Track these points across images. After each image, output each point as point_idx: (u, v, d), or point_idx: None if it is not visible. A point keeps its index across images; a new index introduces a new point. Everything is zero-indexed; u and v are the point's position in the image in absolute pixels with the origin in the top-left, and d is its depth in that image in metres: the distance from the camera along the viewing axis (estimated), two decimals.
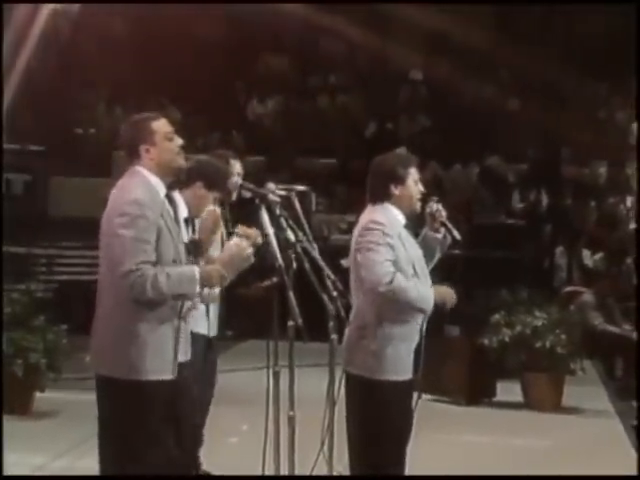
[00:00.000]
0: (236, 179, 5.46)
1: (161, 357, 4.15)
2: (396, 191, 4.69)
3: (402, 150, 13.91)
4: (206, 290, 4.37)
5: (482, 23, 15.84)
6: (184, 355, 4.29)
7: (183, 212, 5.05)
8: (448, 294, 4.77)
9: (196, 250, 4.35)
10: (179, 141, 4.29)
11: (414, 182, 4.73)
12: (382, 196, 4.70)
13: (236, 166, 5.64)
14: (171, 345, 4.18)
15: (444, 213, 4.84)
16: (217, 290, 4.99)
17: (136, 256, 4.04)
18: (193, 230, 5.06)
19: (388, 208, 4.70)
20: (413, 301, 4.62)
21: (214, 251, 4.88)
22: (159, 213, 4.13)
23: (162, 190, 4.23)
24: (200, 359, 5.11)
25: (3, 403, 7.34)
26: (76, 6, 10.41)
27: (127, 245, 4.05)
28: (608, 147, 15.14)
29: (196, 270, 4.17)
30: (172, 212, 4.32)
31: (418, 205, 4.79)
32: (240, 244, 4.36)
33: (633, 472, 6.96)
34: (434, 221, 4.83)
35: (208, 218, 4.58)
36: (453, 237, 4.87)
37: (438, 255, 4.90)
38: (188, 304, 4.27)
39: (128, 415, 4.12)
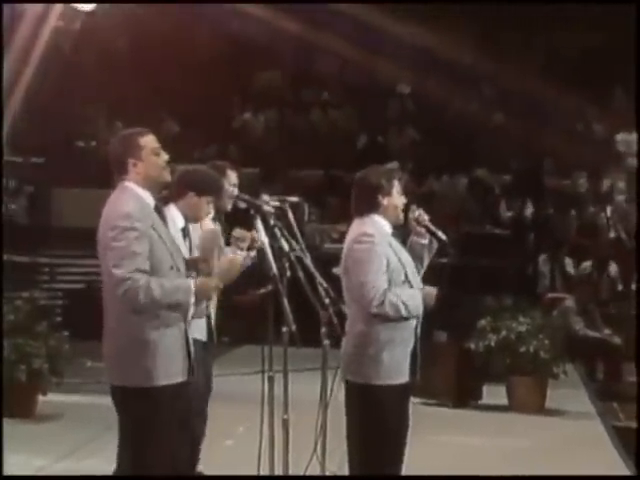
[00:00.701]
0: (232, 189, 5.43)
1: (173, 361, 4.14)
2: (383, 202, 4.72)
3: (394, 164, 13.96)
4: (201, 304, 4.38)
5: (467, 41, 15.88)
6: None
7: (179, 223, 5.03)
8: (428, 296, 4.76)
9: (195, 268, 4.34)
10: (165, 156, 4.29)
11: (398, 193, 4.77)
12: (369, 208, 4.72)
13: (232, 177, 5.61)
14: (181, 348, 4.17)
15: (426, 217, 4.86)
16: (212, 302, 4.97)
17: (128, 265, 4.04)
18: (189, 239, 5.04)
19: (375, 219, 4.72)
20: (404, 315, 4.63)
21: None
22: (150, 225, 4.13)
23: (151, 202, 4.23)
24: (198, 364, 5.08)
25: (7, 407, 7.31)
26: (77, 24, 10.40)
27: (119, 255, 4.05)
28: (588, 159, 15.19)
29: (192, 282, 4.16)
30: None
31: (402, 215, 4.82)
32: (234, 257, 4.36)
33: (614, 471, 6.96)
34: (418, 226, 4.85)
35: (207, 238, 4.53)
36: (439, 239, 4.88)
37: (427, 260, 4.90)
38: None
39: (146, 422, 4.09)
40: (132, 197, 4.16)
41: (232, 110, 16.49)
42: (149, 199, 4.22)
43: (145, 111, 15.30)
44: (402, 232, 4.89)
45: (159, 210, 4.28)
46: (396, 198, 4.75)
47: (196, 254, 4.66)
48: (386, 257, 4.62)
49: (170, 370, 4.11)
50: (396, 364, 4.64)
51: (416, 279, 4.78)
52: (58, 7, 10.13)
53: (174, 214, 4.99)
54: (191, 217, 5.09)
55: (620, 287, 12.24)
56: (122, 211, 4.10)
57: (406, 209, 4.84)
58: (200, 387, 5.06)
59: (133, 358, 4.09)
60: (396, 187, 4.76)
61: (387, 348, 4.61)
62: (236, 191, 5.41)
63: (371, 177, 4.78)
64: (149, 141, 4.25)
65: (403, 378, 4.67)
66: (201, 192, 5.08)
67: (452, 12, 15.68)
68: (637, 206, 13.17)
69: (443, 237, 4.87)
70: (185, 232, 5.06)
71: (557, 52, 16.49)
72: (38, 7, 9.99)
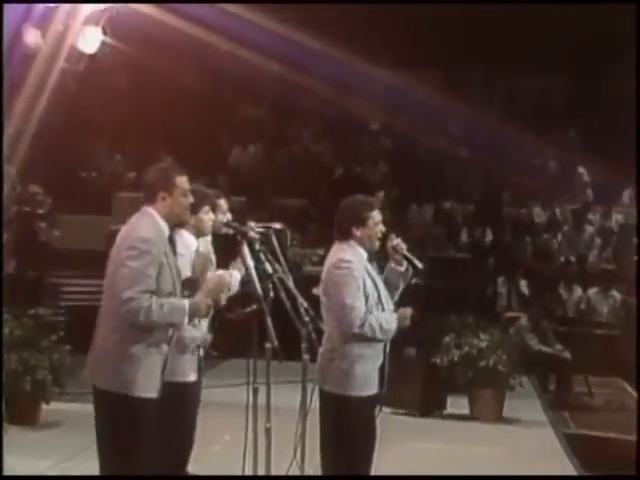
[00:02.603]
0: (221, 217, 5.42)
1: (151, 377, 4.15)
2: (357, 232, 4.69)
3: (380, 194, 13.98)
4: (200, 335, 4.41)
5: (435, 83, 16.01)
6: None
7: (192, 245, 4.99)
8: (402, 317, 4.74)
9: (190, 287, 4.36)
10: (191, 199, 4.31)
11: (374, 224, 4.72)
12: (347, 235, 4.71)
13: (223, 205, 5.60)
14: (159, 368, 4.19)
15: (404, 246, 4.82)
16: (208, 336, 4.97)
17: (138, 285, 4.05)
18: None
19: (353, 245, 4.71)
20: (380, 337, 4.63)
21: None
22: (163, 251, 4.15)
23: (167, 232, 4.25)
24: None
25: (13, 414, 7.27)
26: (81, 66, 10.43)
27: (131, 275, 4.06)
28: (542, 191, 15.30)
29: (186, 303, 4.18)
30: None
31: (377, 244, 4.77)
32: (222, 277, 4.38)
33: (561, 472, 6.98)
34: (396, 254, 4.81)
35: (198, 262, 4.54)
36: (415, 266, 4.85)
37: (402, 286, 4.88)
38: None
39: (118, 423, 4.11)
40: (152, 224, 4.17)
41: (221, 144, 16.52)
42: (166, 229, 4.23)
43: (141, 145, 15.35)
44: (379, 257, 4.89)
45: (172, 240, 4.30)
46: (371, 228, 4.69)
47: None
48: (362, 280, 4.62)
49: (147, 385, 4.12)
50: (366, 377, 4.65)
51: (389, 302, 4.78)
52: (65, 50, 10.17)
53: (185, 236, 4.96)
54: (201, 232, 5.05)
55: (566, 306, 12.32)
56: (142, 235, 4.11)
57: (384, 237, 4.80)
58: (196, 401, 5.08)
59: (117, 367, 4.09)
60: (373, 218, 4.69)
61: (358, 362, 4.63)
62: (228, 217, 5.41)
63: (349, 208, 4.75)
64: (183, 182, 4.25)
65: (372, 390, 4.68)
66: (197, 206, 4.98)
67: (422, 58, 15.81)
68: (637, 233, 13.10)
69: (419, 265, 4.84)
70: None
71: (516, 95, 16.64)
72: (48, 50, 10.04)
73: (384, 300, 4.72)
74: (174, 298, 4.19)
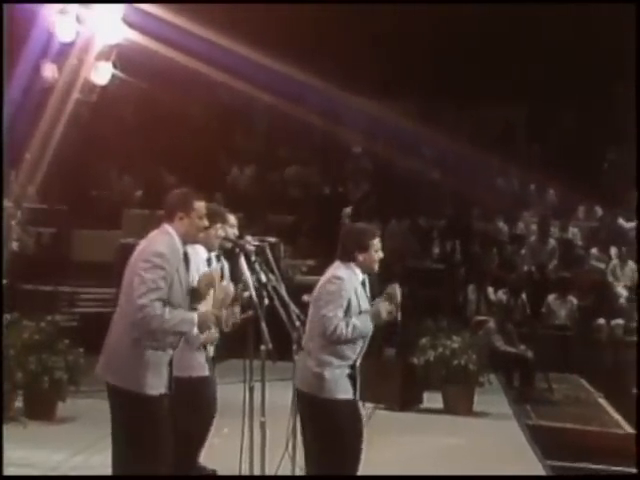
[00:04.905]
0: (230, 231, 5.34)
1: (158, 376, 4.11)
2: (360, 257, 4.60)
3: (348, 210, 14.04)
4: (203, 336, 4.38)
5: (410, 112, 16.06)
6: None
7: (204, 255, 4.91)
8: (376, 315, 4.55)
9: (195, 297, 4.32)
10: (206, 222, 4.30)
11: (375, 251, 4.63)
12: (349, 257, 4.61)
13: (231, 219, 5.54)
14: (166, 367, 4.15)
15: (399, 298, 4.62)
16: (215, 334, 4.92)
17: (152, 294, 4.03)
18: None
19: (351, 267, 4.61)
20: (355, 335, 4.53)
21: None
22: (175, 267, 4.13)
23: (181, 249, 4.21)
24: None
25: (32, 411, 7.21)
26: (94, 97, 10.41)
27: (145, 286, 4.04)
28: (507, 207, 15.34)
29: (195, 315, 4.15)
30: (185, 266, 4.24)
31: (376, 267, 4.66)
32: (227, 287, 4.37)
33: (525, 458, 6.96)
34: (390, 302, 4.62)
35: (203, 281, 4.46)
36: (395, 320, 4.70)
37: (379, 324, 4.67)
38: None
39: (130, 417, 4.08)
40: (168, 241, 4.15)
41: (220, 166, 16.50)
42: (180, 246, 4.20)
43: (147, 167, 15.32)
44: (373, 279, 4.76)
45: (186, 256, 4.26)
46: (372, 254, 4.61)
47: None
48: (348, 299, 4.55)
49: (155, 383, 4.08)
50: (336, 382, 4.52)
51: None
52: (79, 82, 10.16)
53: (199, 249, 4.91)
54: (210, 247, 4.99)
55: (528, 311, 12.33)
56: (158, 250, 4.09)
57: (381, 261, 4.66)
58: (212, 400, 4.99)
59: (129, 367, 4.06)
60: (375, 245, 4.61)
61: (327, 369, 4.52)
62: (236, 231, 5.34)
63: (354, 234, 4.67)
64: (200, 206, 4.25)
65: (345, 394, 4.54)
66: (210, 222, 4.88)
67: (399, 91, 15.89)
68: (637, 234, 13.04)
69: (399, 318, 4.69)
70: (209, 262, 5.02)
71: (483, 122, 16.73)
72: (64, 83, 10.03)
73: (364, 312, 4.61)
74: (182, 310, 4.15)
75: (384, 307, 4.59)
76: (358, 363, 4.63)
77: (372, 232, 4.72)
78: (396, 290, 4.63)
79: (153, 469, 4.05)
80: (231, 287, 4.53)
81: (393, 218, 14.96)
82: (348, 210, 14.41)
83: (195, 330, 4.14)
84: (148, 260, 4.06)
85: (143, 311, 4.01)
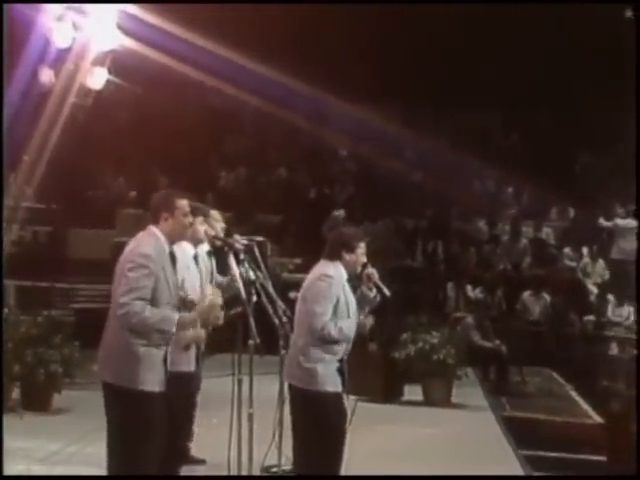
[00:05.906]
0: (215, 224, 5.36)
1: (154, 373, 4.10)
2: (346, 257, 4.66)
3: (340, 213, 14.02)
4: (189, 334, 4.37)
5: (393, 117, 16.09)
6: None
7: (190, 252, 4.93)
8: (362, 326, 4.77)
9: (184, 306, 4.31)
10: (191, 219, 4.28)
11: (361, 253, 4.70)
12: (336, 257, 4.67)
13: (216, 215, 5.52)
14: (161, 364, 4.13)
15: (376, 275, 4.77)
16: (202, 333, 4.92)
17: (133, 293, 4.02)
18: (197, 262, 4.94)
19: (337, 265, 4.66)
20: (337, 341, 4.57)
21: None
22: (161, 266, 4.11)
23: (167, 249, 4.19)
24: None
25: (29, 402, 7.18)
26: (89, 100, 10.37)
27: (128, 285, 4.03)
28: (484, 208, 15.40)
29: (176, 316, 4.13)
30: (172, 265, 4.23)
31: (359, 268, 4.74)
32: (215, 301, 4.37)
33: (500, 446, 7.00)
34: (369, 281, 4.77)
35: (204, 311, 4.41)
36: (383, 294, 4.80)
37: (368, 308, 4.83)
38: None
39: (124, 414, 4.05)
40: (154, 242, 4.13)
41: (210, 168, 16.47)
42: (166, 246, 4.18)
43: (141, 168, 15.28)
44: (355, 279, 4.82)
45: (172, 256, 4.25)
46: (358, 256, 4.69)
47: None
48: (337, 296, 4.59)
49: (149, 379, 4.06)
50: (327, 375, 4.55)
51: (356, 315, 4.71)
52: (75, 87, 10.11)
53: (185, 247, 4.90)
54: (196, 240, 4.98)
55: (504, 307, 12.39)
56: (143, 251, 4.08)
57: (364, 265, 4.76)
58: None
59: (123, 364, 4.04)
60: (361, 248, 4.69)
61: (319, 364, 4.55)
62: (223, 225, 5.35)
63: (343, 235, 4.75)
64: (183, 205, 4.22)
65: (336, 388, 4.58)
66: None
67: (383, 96, 15.92)
68: (637, 234, 13.01)
69: (387, 293, 4.81)
70: (196, 259, 5.01)
71: (462, 127, 16.79)
72: (60, 87, 9.99)
73: (352, 315, 4.67)
74: (170, 308, 4.14)
75: (369, 322, 4.80)
76: (345, 358, 4.67)
77: (360, 235, 4.82)
78: (374, 271, 4.75)
79: (143, 468, 4.03)
80: (219, 300, 4.51)
81: (377, 219, 14.99)
82: (340, 212, 14.34)
83: (174, 329, 4.11)
84: (133, 260, 4.06)
85: (124, 308, 4.00)
